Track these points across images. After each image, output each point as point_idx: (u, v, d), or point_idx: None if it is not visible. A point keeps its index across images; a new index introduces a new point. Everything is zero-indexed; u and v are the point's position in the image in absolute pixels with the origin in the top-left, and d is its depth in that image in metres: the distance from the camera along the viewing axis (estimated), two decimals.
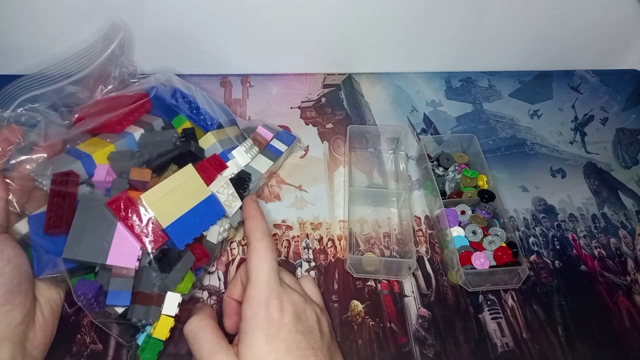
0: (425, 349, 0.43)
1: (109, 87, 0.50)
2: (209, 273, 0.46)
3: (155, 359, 0.38)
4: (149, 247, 0.38)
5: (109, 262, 0.38)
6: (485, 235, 0.48)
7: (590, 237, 0.52)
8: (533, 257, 0.50)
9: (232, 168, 0.47)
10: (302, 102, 0.62)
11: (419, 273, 0.48)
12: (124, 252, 0.38)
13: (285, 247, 0.49)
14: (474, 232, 0.48)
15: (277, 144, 0.52)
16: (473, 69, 0.67)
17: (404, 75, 0.66)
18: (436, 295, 0.46)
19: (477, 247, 0.47)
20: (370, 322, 0.44)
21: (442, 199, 0.49)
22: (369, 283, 0.47)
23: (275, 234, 0.50)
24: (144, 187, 0.41)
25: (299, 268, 0.47)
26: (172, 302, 0.38)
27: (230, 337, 0.38)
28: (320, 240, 0.49)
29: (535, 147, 0.60)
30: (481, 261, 0.46)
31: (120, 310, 0.38)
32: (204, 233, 0.43)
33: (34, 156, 0.41)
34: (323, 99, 0.63)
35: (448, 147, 0.56)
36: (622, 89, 0.67)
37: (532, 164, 0.58)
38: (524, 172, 0.57)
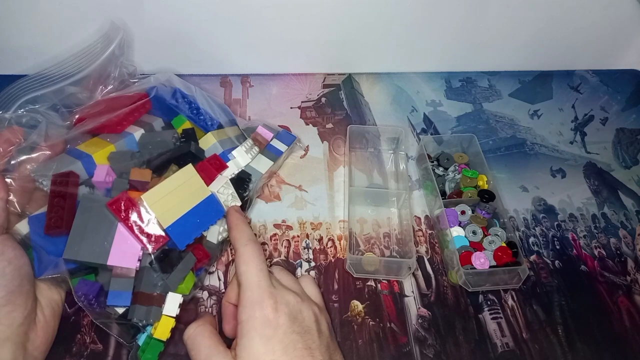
0: (425, 349, 0.43)
1: (109, 88, 0.51)
2: (209, 273, 0.46)
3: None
4: (150, 248, 0.38)
5: (110, 262, 0.38)
6: (485, 235, 0.48)
7: (590, 237, 0.52)
8: (533, 257, 0.50)
9: (233, 168, 0.47)
10: (302, 102, 0.62)
11: (419, 273, 0.48)
12: (125, 252, 0.38)
13: (285, 247, 0.49)
14: (474, 232, 0.48)
15: (277, 144, 0.52)
16: (473, 69, 0.67)
17: (404, 75, 0.66)
18: (436, 295, 0.46)
19: (477, 247, 0.47)
20: (370, 322, 0.44)
21: (442, 199, 0.49)
22: (369, 283, 0.47)
23: (275, 234, 0.50)
24: (144, 187, 0.41)
25: (299, 268, 0.47)
26: (173, 303, 0.39)
27: (229, 342, 0.38)
28: (320, 240, 0.50)
29: (535, 147, 0.60)
30: (481, 261, 0.46)
31: (120, 310, 0.39)
32: (204, 233, 0.43)
33: (34, 156, 0.41)
34: (323, 99, 0.63)
35: (448, 147, 0.56)
36: (622, 89, 0.67)
37: (532, 164, 0.58)
38: (524, 172, 0.57)
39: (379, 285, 0.47)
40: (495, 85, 0.66)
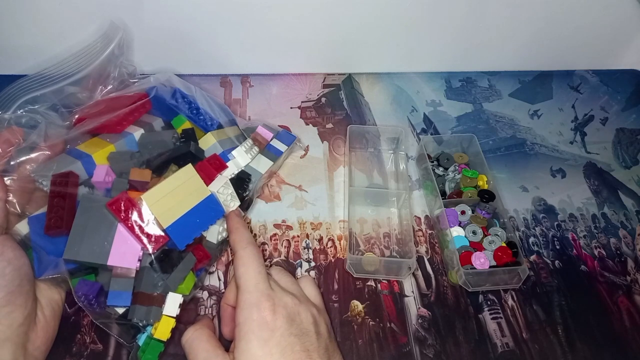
0: (425, 349, 0.43)
1: (109, 88, 0.50)
2: (209, 273, 0.46)
3: None
4: (150, 248, 0.38)
5: (110, 262, 0.38)
6: (485, 235, 0.48)
7: (590, 237, 0.52)
8: (533, 257, 0.50)
9: (232, 168, 0.47)
10: (302, 102, 0.62)
11: (419, 273, 0.48)
12: (125, 252, 0.38)
13: (285, 247, 0.49)
14: (474, 232, 0.48)
15: (277, 144, 0.52)
16: (473, 69, 0.67)
17: (404, 75, 0.66)
18: (436, 295, 0.46)
19: (477, 247, 0.47)
20: (370, 322, 0.44)
21: (442, 199, 0.49)
22: (369, 283, 0.47)
23: (275, 234, 0.50)
24: (143, 187, 0.41)
25: (299, 268, 0.47)
26: (173, 303, 0.39)
27: (228, 344, 0.38)
28: (320, 240, 0.50)
29: (535, 147, 0.60)
30: (481, 261, 0.46)
31: (120, 310, 0.39)
32: (204, 233, 0.43)
33: (34, 157, 0.41)
34: (323, 99, 0.63)
35: (448, 147, 0.56)
36: (622, 89, 0.67)
37: (532, 164, 0.58)
38: (524, 172, 0.57)
39: (379, 285, 0.47)
40: (495, 85, 0.66)
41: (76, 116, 0.47)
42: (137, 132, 0.47)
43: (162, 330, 0.38)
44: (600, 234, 0.52)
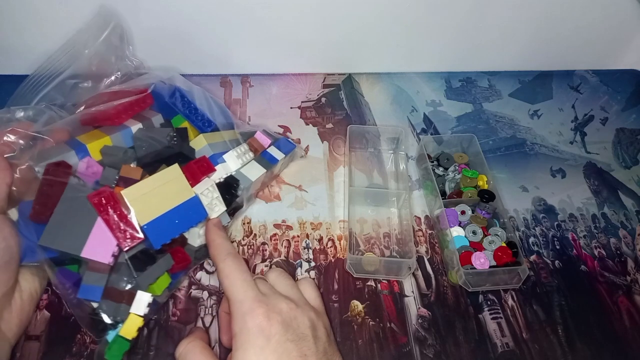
0: (425, 349, 0.43)
1: (112, 79, 0.50)
2: (209, 273, 0.46)
3: (120, 358, 0.37)
4: (124, 244, 0.38)
5: (84, 254, 0.37)
6: (485, 235, 0.48)
7: (590, 237, 0.52)
8: (533, 257, 0.50)
9: (221, 172, 0.45)
10: (302, 102, 0.62)
11: (419, 273, 0.48)
12: (100, 246, 0.37)
13: (285, 247, 0.49)
14: (474, 232, 0.48)
15: (274, 152, 0.50)
16: (473, 69, 0.67)
17: (404, 75, 0.66)
18: (436, 295, 0.46)
19: (477, 247, 0.47)
20: (370, 322, 0.44)
21: (442, 199, 0.49)
22: (369, 283, 0.47)
23: (275, 234, 0.50)
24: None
25: (299, 268, 0.47)
26: (141, 302, 0.38)
27: (227, 352, 0.38)
28: (320, 240, 0.49)
29: (535, 147, 0.60)
30: (481, 261, 0.46)
31: (95, 305, 0.38)
32: (186, 236, 0.43)
33: (37, 146, 0.42)
34: (323, 99, 0.63)
35: (448, 147, 0.56)
36: (622, 89, 0.67)
37: (532, 164, 0.58)
38: (524, 172, 0.57)
39: (379, 285, 0.47)
40: (495, 85, 0.66)
41: (81, 108, 0.47)
42: (135, 127, 0.46)
43: (128, 328, 0.37)
44: (600, 234, 0.52)
